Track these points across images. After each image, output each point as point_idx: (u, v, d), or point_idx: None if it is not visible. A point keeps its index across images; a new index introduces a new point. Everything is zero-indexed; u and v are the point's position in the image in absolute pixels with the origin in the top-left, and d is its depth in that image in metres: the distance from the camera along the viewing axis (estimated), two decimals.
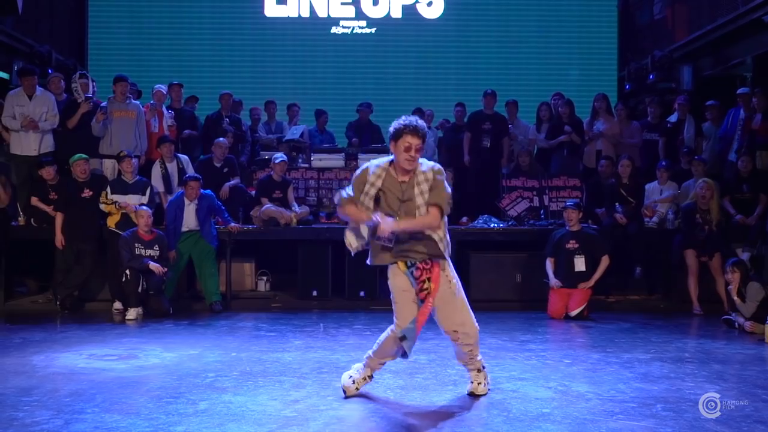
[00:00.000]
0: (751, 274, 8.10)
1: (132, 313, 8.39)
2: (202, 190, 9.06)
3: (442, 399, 5.12)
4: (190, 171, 9.78)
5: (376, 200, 4.83)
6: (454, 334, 5.03)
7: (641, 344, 7.10)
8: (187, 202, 9.00)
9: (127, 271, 8.45)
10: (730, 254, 8.70)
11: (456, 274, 5.11)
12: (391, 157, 4.92)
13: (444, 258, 4.96)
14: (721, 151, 10.49)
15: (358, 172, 4.96)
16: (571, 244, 8.76)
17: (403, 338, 4.87)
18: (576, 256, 8.71)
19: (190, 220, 9.03)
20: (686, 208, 9.12)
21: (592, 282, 8.65)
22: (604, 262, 8.71)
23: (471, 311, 5.12)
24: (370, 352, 5.18)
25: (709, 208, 8.92)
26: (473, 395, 5.10)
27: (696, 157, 9.97)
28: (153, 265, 8.43)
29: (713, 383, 5.59)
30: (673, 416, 4.72)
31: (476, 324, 5.08)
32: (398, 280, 4.94)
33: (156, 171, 9.78)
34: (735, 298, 7.88)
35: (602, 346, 7.03)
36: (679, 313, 8.93)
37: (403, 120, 4.86)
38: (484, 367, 5.24)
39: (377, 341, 5.14)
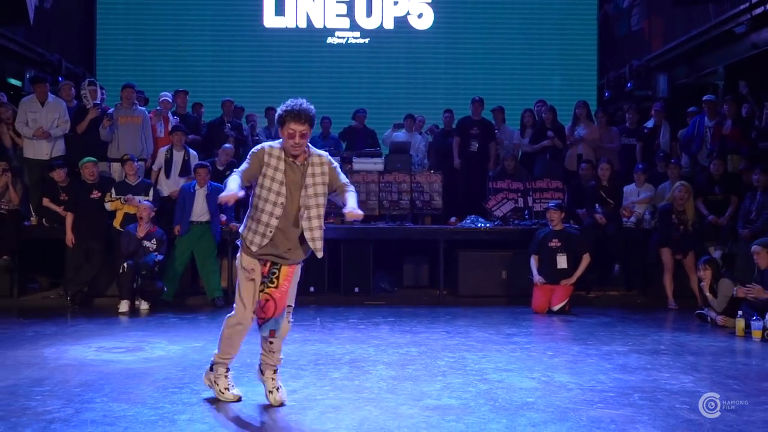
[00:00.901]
0: (722, 271, 8.14)
1: (123, 306, 8.38)
2: (215, 183, 9.04)
3: (432, 389, 5.12)
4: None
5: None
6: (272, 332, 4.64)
7: (619, 337, 7.13)
8: (198, 188, 9.00)
9: (124, 265, 8.45)
10: (703, 252, 8.74)
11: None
12: (279, 140, 4.58)
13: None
14: (686, 153, 10.55)
15: (255, 151, 4.57)
16: (554, 243, 8.78)
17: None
18: (558, 254, 8.74)
19: (198, 207, 8.99)
20: (663, 209, 9.17)
21: (573, 278, 8.68)
22: (585, 259, 8.74)
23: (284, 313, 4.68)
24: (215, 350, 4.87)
25: (685, 209, 8.96)
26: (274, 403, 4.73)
27: (672, 161, 10.02)
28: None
29: (687, 374, 5.62)
30: (650, 405, 4.75)
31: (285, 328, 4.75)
32: (247, 263, 4.60)
33: (161, 154, 9.77)
34: (707, 294, 7.92)
35: (583, 339, 7.06)
36: (655, 308, 8.97)
37: (288, 104, 4.45)
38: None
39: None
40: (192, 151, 9.92)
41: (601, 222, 9.52)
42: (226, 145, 10.25)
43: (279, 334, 4.65)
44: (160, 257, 8.59)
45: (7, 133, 9.68)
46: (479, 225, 9.87)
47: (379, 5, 14.88)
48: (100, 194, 9.02)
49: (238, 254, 4.68)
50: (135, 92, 10.10)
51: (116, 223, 9.01)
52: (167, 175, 9.66)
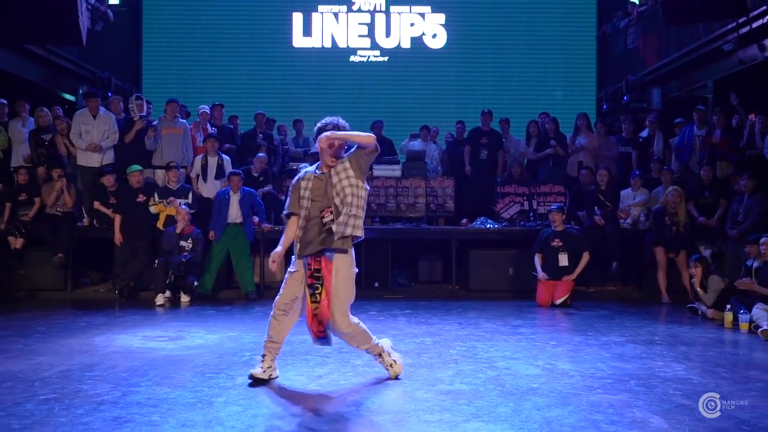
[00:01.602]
0: (712, 268, 8.05)
1: (159, 299, 8.40)
2: (246, 188, 9.07)
3: (445, 375, 5.10)
4: (229, 169, 9.80)
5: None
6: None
7: (617, 328, 7.06)
8: (231, 194, 9.00)
9: (156, 261, 8.49)
10: (694, 251, 8.66)
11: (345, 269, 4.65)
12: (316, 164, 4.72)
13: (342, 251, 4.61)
14: (678, 160, 10.45)
15: (294, 182, 4.81)
16: (556, 242, 8.72)
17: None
18: (560, 252, 8.67)
19: (233, 211, 8.99)
20: (657, 211, 9.11)
21: (574, 275, 8.61)
22: (585, 257, 8.67)
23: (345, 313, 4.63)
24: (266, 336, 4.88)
25: (677, 212, 8.89)
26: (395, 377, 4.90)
27: (665, 168, 9.93)
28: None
29: (680, 362, 5.56)
30: (645, 391, 4.70)
31: (350, 322, 4.67)
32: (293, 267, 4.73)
33: (197, 162, 9.80)
34: (698, 289, 7.85)
35: (583, 330, 7.00)
36: (650, 302, 8.87)
37: (327, 120, 4.69)
38: (381, 354, 4.94)
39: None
40: (225, 156, 9.93)
41: (600, 223, 9.45)
42: (260, 154, 10.28)
43: (341, 338, 4.74)
44: (187, 257, 8.57)
45: (63, 143, 9.76)
46: (488, 226, 9.83)
47: (397, 26, 14.89)
48: (145, 198, 9.07)
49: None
50: (178, 106, 10.15)
51: (159, 224, 9.06)
52: (204, 179, 9.70)
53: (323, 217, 4.61)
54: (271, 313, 4.81)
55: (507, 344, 6.24)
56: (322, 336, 4.64)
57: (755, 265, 7.45)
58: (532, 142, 11.44)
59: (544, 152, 11.12)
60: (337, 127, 4.65)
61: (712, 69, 11.08)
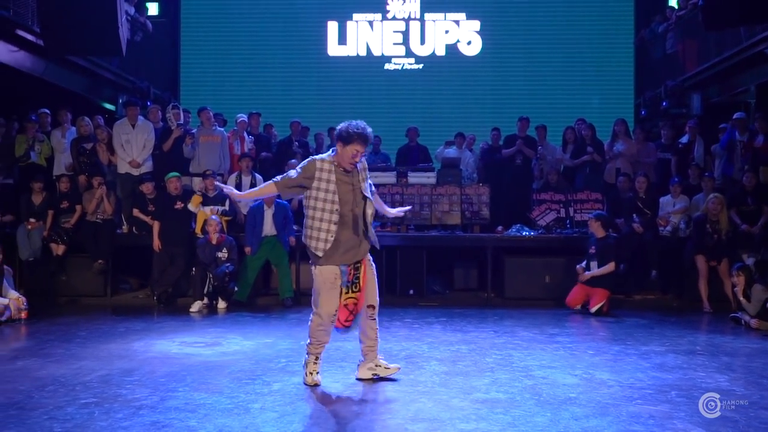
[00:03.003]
0: (755, 277, 7.87)
1: (195, 306, 8.47)
2: (280, 201, 9.12)
3: (481, 383, 5.06)
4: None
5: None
6: (371, 309, 4.94)
7: (657, 338, 6.93)
8: (266, 208, 9.06)
9: (194, 269, 8.57)
10: (736, 259, 8.48)
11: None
12: (327, 153, 4.77)
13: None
14: (722, 162, 10.27)
15: (307, 162, 4.73)
16: (592, 250, 8.64)
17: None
18: (592, 260, 8.59)
19: (268, 225, 9.05)
20: (698, 218, 8.94)
21: (587, 276, 8.50)
22: (607, 267, 8.52)
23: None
24: (307, 340, 4.97)
25: (719, 219, 8.72)
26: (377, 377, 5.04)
27: (706, 174, 9.76)
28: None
29: (722, 373, 5.44)
30: (686, 402, 4.60)
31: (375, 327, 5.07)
32: (326, 273, 4.72)
33: (231, 180, 9.91)
34: (741, 298, 7.68)
35: (622, 339, 6.89)
36: (691, 311, 8.70)
37: (354, 127, 4.61)
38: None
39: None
40: (258, 176, 10.02)
41: (639, 231, 9.32)
42: (292, 160, 10.34)
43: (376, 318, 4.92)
44: (231, 268, 8.66)
45: (104, 152, 9.94)
46: (524, 233, 9.75)
47: (432, 34, 14.90)
48: (183, 205, 9.18)
49: (314, 267, 4.77)
50: (210, 113, 10.27)
51: (198, 230, 9.16)
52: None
53: (357, 218, 4.72)
54: (320, 321, 4.82)
55: (544, 353, 6.17)
56: (348, 325, 4.80)
57: None
58: (569, 149, 11.33)
59: (580, 159, 11.00)
60: (369, 139, 4.67)
61: (754, 73, 10.87)
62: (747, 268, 7.93)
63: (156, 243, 9.06)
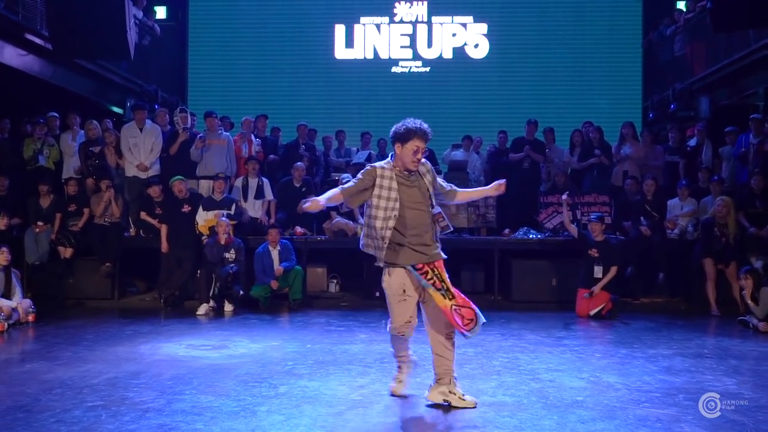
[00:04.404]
0: (763, 280, 7.84)
1: (202, 309, 8.48)
2: (284, 240, 9.06)
3: (487, 386, 5.05)
4: (268, 191, 9.88)
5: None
6: (448, 335, 4.54)
7: (664, 341, 6.91)
8: (271, 248, 8.96)
9: (199, 271, 8.58)
10: (744, 263, 8.44)
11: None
12: (386, 160, 4.54)
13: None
14: (735, 170, 10.23)
15: (366, 170, 4.50)
16: (593, 252, 8.61)
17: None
18: (596, 264, 8.55)
19: (276, 264, 8.88)
20: (705, 221, 8.90)
21: (597, 289, 8.44)
22: (612, 271, 8.49)
23: None
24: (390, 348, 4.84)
25: (726, 223, 8.68)
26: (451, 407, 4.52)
27: (714, 177, 9.72)
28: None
29: (730, 377, 5.41)
30: (694, 405, 4.57)
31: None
32: (395, 281, 4.49)
33: (238, 183, 9.93)
34: (749, 301, 7.65)
35: (629, 342, 6.87)
36: (699, 314, 8.66)
37: (411, 123, 4.43)
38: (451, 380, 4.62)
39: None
40: (264, 179, 10.03)
41: (646, 234, 9.29)
42: (298, 163, 10.37)
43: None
44: (234, 268, 8.67)
45: (112, 155, 9.98)
46: (531, 236, 9.74)
47: (439, 37, 14.92)
48: (190, 208, 9.21)
49: (383, 277, 4.57)
50: (216, 120, 10.30)
51: (203, 230, 9.16)
52: (245, 199, 9.82)
53: (424, 222, 4.51)
54: (392, 328, 4.63)
55: (551, 356, 6.16)
56: (473, 325, 4.40)
57: None
58: (576, 152, 11.31)
59: (588, 161, 10.99)
60: (428, 133, 4.44)
61: (762, 76, 10.84)
62: (755, 271, 7.91)
63: (164, 246, 9.09)
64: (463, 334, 4.42)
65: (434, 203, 4.60)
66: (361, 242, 4.67)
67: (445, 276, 4.48)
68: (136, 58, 10.36)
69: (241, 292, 8.79)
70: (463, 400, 4.54)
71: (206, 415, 4.30)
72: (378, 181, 4.45)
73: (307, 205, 4.52)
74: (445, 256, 4.60)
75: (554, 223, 9.99)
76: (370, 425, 4.16)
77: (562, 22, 14.83)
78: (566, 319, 8.28)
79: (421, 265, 4.45)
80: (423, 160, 4.54)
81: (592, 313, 8.35)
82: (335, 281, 10.02)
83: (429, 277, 4.43)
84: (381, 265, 4.56)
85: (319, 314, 8.53)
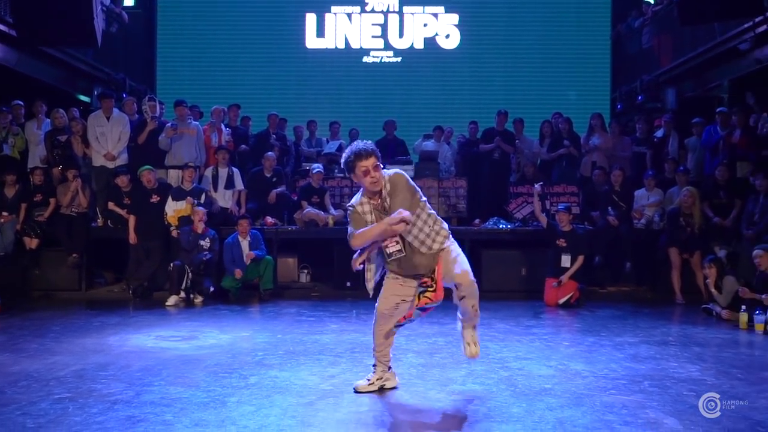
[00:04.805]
0: (726, 269, 8.00)
1: (171, 300, 8.39)
2: (254, 231, 9.01)
3: (457, 375, 5.10)
4: (238, 181, 9.81)
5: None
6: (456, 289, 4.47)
7: (630, 329, 7.03)
8: (241, 239, 8.90)
9: (172, 264, 8.53)
10: (708, 252, 8.60)
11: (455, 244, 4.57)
12: (356, 196, 4.45)
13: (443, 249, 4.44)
14: (700, 161, 10.40)
15: (350, 212, 4.39)
16: (561, 242, 8.71)
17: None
18: (563, 253, 8.66)
19: (245, 255, 8.85)
20: (671, 212, 9.07)
21: (565, 278, 8.55)
22: (579, 261, 8.61)
23: (468, 269, 4.47)
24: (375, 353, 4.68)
25: (692, 213, 8.84)
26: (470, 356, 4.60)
27: (680, 168, 9.87)
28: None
29: (694, 363, 5.52)
30: (659, 391, 4.67)
31: (472, 278, 4.47)
32: (389, 298, 4.46)
33: (208, 172, 9.85)
34: (712, 290, 7.79)
35: (596, 330, 6.97)
36: (664, 303, 8.82)
37: (348, 150, 4.33)
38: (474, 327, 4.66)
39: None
40: (235, 169, 9.95)
41: (614, 223, 9.41)
42: (269, 153, 10.31)
43: (466, 295, 4.42)
44: (208, 256, 8.63)
45: (79, 144, 9.83)
46: (501, 226, 9.81)
47: (411, 27, 14.89)
48: (158, 198, 9.12)
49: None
50: (186, 108, 10.19)
51: (172, 220, 9.08)
52: (215, 189, 9.74)
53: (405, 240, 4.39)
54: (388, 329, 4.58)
55: (520, 344, 6.22)
56: (409, 318, 4.55)
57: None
58: (546, 143, 11.41)
59: (557, 152, 11.10)
60: (363, 151, 4.27)
61: (727, 68, 11.00)
62: (718, 260, 8.06)
63: (132, 236, 8.99)
64: (399, 323, 4.58)
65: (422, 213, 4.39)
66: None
67: (440, 278, 4.43)
68: (103, 45, 10.18)
69: (212, 289, 8.70)
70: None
71: (175, 407, 4.27)
72: (365, 216, 4.35)
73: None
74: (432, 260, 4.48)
75: (524, 213, 10.08)
76: (340, 415, 4.16)
77: (532, 14, 14.88)
78: (535, 308, 8.38)
79: (424, 280, 4.43)
80: (389, 173, 4.36)
81: (561, 301, 8.46)
82: (306, 271, 10.00)
83: (428, 285, 4.42)
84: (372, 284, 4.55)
85: (289, 304, 8.50)
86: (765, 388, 4.79)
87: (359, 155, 4.25)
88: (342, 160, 4.39)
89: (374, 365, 4.70)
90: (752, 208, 8.75)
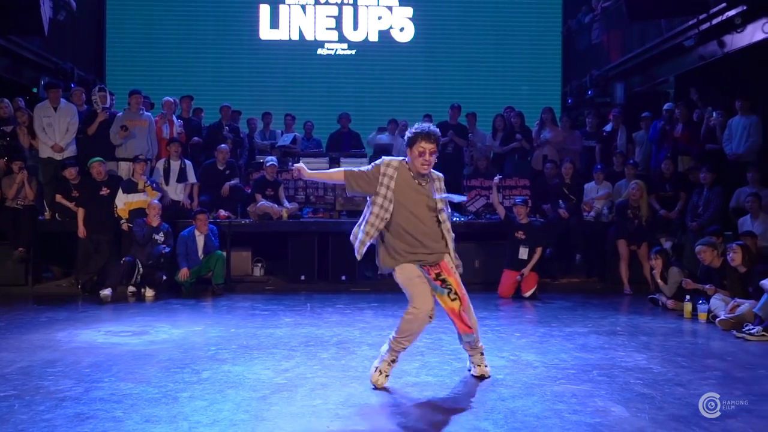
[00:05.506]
0: (672, 261, 8.21)
1: (106, 290, 8.17)
2: (212, 226, 8.90)
3: (411, 367, 5.12)
4: (191, 174, 9.68)
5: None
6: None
7: (580, 320, 7.16)
8: (198, 234, 8.76)
9: (124, 260, 8.38)
10: (655, 243, 8.81)
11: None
12: (401, 158, 4.58)
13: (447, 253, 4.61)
14: (648, 155, 10.63)
15: (376, 162, 4.54)
16: (519, 234, 8.82)
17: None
18: (521, 245, 8.77)
19: (200, 251, 8.76)
20: (620, 204, 9.25)
21: (526, 270, 8.68)
22: (537, 253, 8.75)
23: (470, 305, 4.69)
24: (392, 333, 4.62)
25: (639, 205, 9.04)
26: (481, 377, 4.78)
27: (628, 162, 10.07)
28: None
29: (641, 352, 5.65)
30: (607, 381, 4.77)
31: (474, 316, 4.75)
32: (407, 270, 4.50)
33: (160, 165, 9.68)
34: (658, 280, 7.99)
35: (547, 321, 7.08)
36: (612, 293, 9.01)
37: (417, 127, 4.45)
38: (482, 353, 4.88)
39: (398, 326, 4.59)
40: (187, 161, 9.80)
41: (564, 216, 9.56)
42: (222, 145, 10.18)
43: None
44: (166, 250, 8.51)
45: (25, 135, 9.56)
46: (455, 219, 9.85)
47: (365, 20, 14.85)
48: (108, 191, 8.94)
49: (394, 276, 4.59)
50: (142, 98, 10.00)
51: (123, 213, 8.91)
52: (167, 182, 9.58)
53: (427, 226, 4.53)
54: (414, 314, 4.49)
55: None
56: (469, 330, 4.64)
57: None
58: (498, 136, 11.52)
59: (509, 146, 11.21)
60: (432, 134, 4.41)
61: (673, 64, 11.24)
62: (664, 251, 8.26)
63: (81, 230, 8.80)
64: (461, 335, 4.70)
65: (443, 210, 4.59)
66: (353, 231, 4.66)
67: (452, 279, 4.56)
68: (50, 34, 9.90)
69: (164, 278, 8.59)
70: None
71: (126, 403, 4.19)
72: (380, 179, 4.45)
73: (296, 167, 4.60)
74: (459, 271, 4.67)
75: (477, 206, 10.16)
76: (294, 408, 4.14)
77: (486, 8, 15.00)
78: (489, 299, 8.46)
79: (426, 267, 4.51)
80: (436, 172, 4.59)
81: (527, 294, 8.57)
82: (260, 265, 9.90)
83: (434, 278, 4.51)
84: (384, 272, 4.66)
85: (243, 298, 8.44)
86: (708, 376, 4.93)
87: (426, 136, 4.38)
88: (409, 130, 4.48)
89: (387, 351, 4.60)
90: (696, 201, 8.99)
